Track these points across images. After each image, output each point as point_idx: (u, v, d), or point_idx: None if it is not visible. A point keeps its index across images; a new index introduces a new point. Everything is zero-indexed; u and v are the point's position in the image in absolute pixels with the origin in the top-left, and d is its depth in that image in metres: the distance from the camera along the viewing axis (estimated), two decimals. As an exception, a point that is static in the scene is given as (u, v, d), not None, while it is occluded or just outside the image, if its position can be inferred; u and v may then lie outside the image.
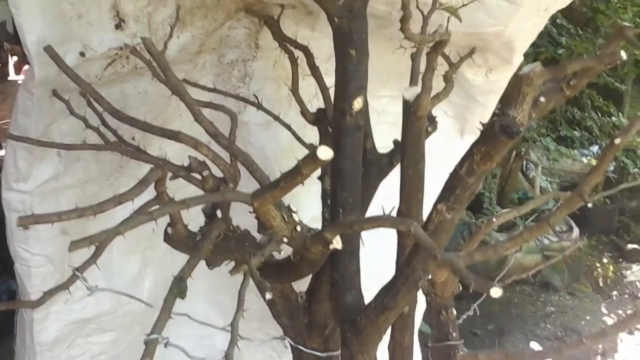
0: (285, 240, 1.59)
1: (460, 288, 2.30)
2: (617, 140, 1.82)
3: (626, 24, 1.62)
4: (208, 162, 1.92)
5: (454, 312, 2.21)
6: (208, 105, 2.12)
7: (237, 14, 2.51)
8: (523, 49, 2.59)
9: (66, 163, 2.28)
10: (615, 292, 6.92)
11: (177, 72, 2.42)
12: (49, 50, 1.90)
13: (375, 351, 1.96)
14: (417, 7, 1.91)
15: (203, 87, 2.32)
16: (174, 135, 1.94)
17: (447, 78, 2.36)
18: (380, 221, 1.60)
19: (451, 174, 1.70)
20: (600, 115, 6.98)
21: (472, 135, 3.03)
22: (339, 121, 1.88)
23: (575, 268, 7.28)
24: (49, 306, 2.44)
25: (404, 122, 1.91)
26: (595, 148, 8.35)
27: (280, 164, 2.73)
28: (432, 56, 1.75)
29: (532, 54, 6.53)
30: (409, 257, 1.81)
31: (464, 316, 2.34)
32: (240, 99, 2.38)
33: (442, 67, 2.38)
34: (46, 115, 2.14)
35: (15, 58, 6.72)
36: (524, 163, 7.83)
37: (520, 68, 2.78)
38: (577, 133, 7.69)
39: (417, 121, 1.87)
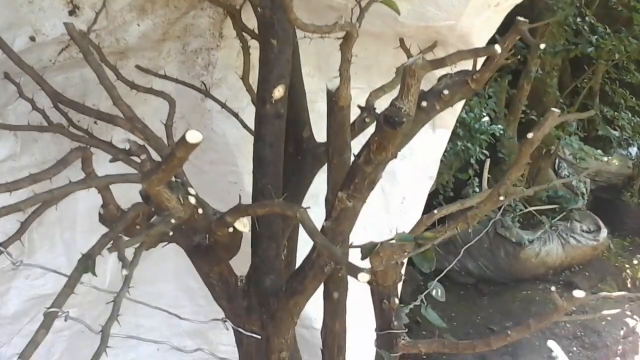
0: (173, 221, 1.63)
1: (402, 277, 2.33)
2: (530, 135, 1.84)
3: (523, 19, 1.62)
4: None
5: (397, 301, 2.22)
6: (149, 91, 2.18)
7: (200, 3, 2.56)
8: (481, 43, 2.59)
9: (23, 144, 2.35)
10: (643, 294, 6.77)
11: (140, 59, 2.50)
12: (-7, 34, 1.97)
13: (290, 334, 2.00)
14: (356, -2, 1.94)
15: (156, 74, 2.38)
16: (111, 119, 2.02)
17: (398, 72, 2.39)
18: (271, 206, 1.64)
19: (352, 163, 1.73)
20: (631, 115, 6.87)
21: (444, 130, 3.03)
22: (260, 109, 1.93)
23: (602, 268, 7.17)
24: (10, 281, 2.53)
25: (328, 113, 1.94)
26: (634, 150, 8.18)
27: (241, 150, 2.79)
28: (344, 48, 1.77)
29: (562, 51, 6.49)
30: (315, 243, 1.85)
31: (411, 306, 2.35)
32: (190, 86, 2.43)
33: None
34: (0, 97, 2.23)
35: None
36: (557, 161, 7.72)
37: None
38: (616, 133, 7.57)
39: (339, 111, 1.89)
